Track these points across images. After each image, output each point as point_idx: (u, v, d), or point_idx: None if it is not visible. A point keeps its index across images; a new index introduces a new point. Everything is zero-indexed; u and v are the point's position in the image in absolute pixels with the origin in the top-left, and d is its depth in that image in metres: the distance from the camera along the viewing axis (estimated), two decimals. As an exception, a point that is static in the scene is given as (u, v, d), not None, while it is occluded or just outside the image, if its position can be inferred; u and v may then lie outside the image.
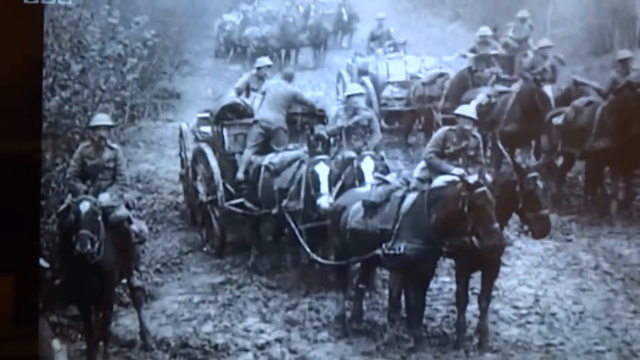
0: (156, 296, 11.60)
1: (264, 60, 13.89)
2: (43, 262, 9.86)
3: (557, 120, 13.40)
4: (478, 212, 9.43)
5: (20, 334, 9.38)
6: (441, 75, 15.32)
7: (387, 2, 19.76)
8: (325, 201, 10.95)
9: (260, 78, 13.54)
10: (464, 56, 15.27)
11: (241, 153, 12.72)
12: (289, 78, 13.12)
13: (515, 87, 14.18)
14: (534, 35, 16.21)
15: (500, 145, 10.40)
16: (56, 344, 9.85)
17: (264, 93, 12.89)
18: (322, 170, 11.15)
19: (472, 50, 15.30)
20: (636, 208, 13.19)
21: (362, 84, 15.54)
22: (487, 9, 18.88)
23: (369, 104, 15.39)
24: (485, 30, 15.62)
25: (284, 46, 18.68)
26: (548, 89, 13.90)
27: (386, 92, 16.07)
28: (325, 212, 10.91)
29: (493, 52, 15.20)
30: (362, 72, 16.40)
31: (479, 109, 13.70)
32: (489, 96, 14.13)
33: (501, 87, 14.37)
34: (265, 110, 12.68)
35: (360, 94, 12.46)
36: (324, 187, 11.07)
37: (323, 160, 11.27)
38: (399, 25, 17.35)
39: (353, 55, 17.14)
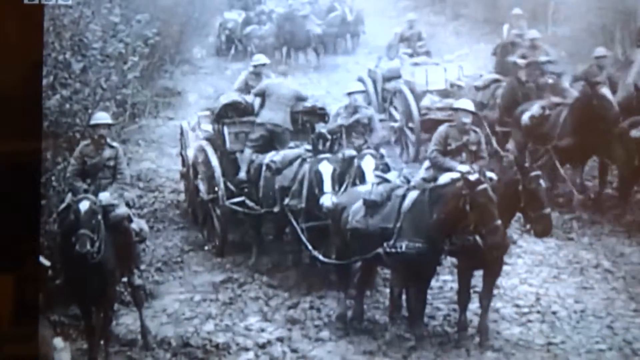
0: (157, 295, 11.58)
1: (260, 58, 13.77)
2: (44, 260, 9.83)
3: (637, 133, 12.39)
4: (480, 209, 9.40)
5: (20, 334, 9.34)
6: (496, 81, 14.45)
7: (387, 1, 19.78)
8: (328, 200, 10.91)
9: (258, 75, 13.49)
10: (514, 63, 14.16)
11: (242, 151, 12.71)
12: (283, 74, 13.22)
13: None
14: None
15: (557, 164, 9.69)
16: (58, 342, 9.81)
17: (263, 94, 12.81)
18: (326, 169, 11.12)
19: (523, 57, 14.25)
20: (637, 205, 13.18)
21: (400, 91, 15.18)
22: (488, 8, 18.87)
23: (408, 114, 15.03)
24: (535, 33, 14.63)
25: (284, 45, 18.67)
26: (607, 91, 12.61)
27: (426, 102, 14.96)
28: (328, 210, 10.89)
29: (544, 58, 14.10)
30: (388, 79, 15.63)
31: (531, 120, 13.11)
32: (543, 107, 13.20)
33: (557, 99, 13.37)
34: (270, 112, 12.64)
35: (361, 92, 12.45)
36: (327, 185, 11.04)
37: (327, 159, 11.25)
38: (399, 25, 17.26)
39: (377, 60, 16.29)
